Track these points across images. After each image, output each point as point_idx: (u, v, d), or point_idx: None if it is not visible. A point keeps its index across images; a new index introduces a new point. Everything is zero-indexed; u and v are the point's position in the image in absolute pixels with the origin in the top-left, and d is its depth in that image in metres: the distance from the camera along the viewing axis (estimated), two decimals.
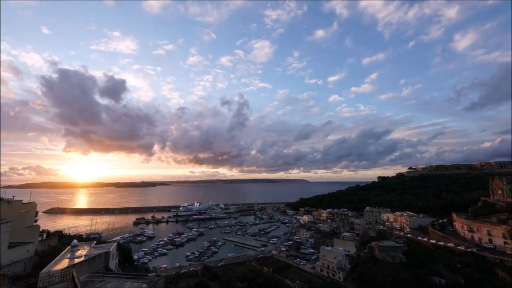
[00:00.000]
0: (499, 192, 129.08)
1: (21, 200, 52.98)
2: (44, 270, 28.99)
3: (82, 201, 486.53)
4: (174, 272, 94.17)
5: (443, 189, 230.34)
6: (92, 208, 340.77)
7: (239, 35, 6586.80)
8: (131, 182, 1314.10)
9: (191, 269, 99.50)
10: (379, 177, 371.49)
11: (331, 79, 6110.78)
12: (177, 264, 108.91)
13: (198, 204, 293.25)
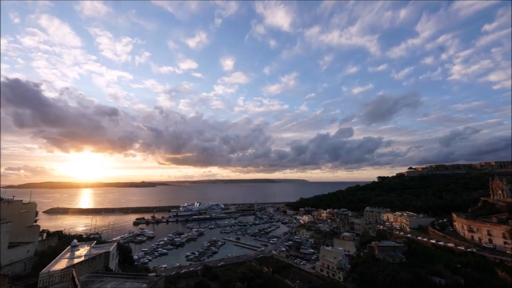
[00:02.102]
0: (499, 192, 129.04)
1: (21, 200, 53.00)
2: (44, 270, 28.99)
3: (82, 201, 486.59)
4: (174, 272, 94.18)
5: (443, 189, 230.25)
6: (92, 208, 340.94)
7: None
8: (131, 182, 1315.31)
9: (191, 269, 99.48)
10: (379, 177, 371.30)
11: None
12: (177, 264, 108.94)
13: (198, 204, 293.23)
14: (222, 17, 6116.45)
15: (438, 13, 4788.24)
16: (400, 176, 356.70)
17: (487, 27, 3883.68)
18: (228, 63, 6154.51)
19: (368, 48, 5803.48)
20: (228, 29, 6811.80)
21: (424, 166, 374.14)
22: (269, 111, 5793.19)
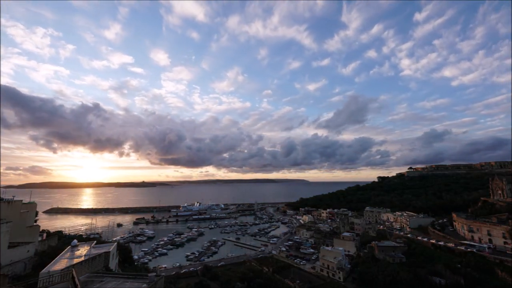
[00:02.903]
0: (499, 192, 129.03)
1: (21, 200, 52.99)
2: (44, 270, 29.01)
3: (82, 201, 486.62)
4: (174, 272, 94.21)
5: (443, 189, 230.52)
6: (92, 208, 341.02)
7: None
8: (131, 182, 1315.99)
9: (191, 269, 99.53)
10: (379, 177, 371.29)
11: None
12: (177, 264, 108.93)
13: (198, 204, 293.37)
14: (126, 6, 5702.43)
15: (357, 1, 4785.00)
16: (400, 176, 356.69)
17: (418, 16, 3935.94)
18: (161, 57, 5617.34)
19: (300, 41, 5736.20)
20: (139, 20, 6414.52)
21: (424, 166, 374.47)
22: (232, 108, 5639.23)
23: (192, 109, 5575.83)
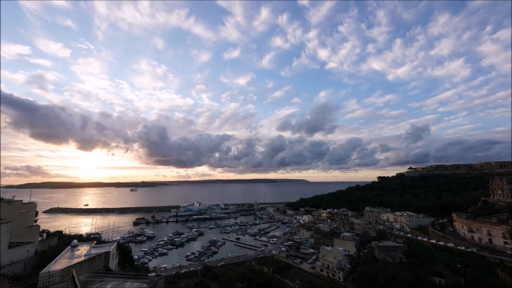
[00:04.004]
0: (499, 192, 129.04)
1: (21, 200, 52.96)
2: (44, 270, 28.97)
3: (82, 201, 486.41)
4: (174, 272, 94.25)
5: (443, 189, 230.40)
6: (92, 208, 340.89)
7: None
8: (131, 182, 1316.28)
9: (191, 269, 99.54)
10: (379, 177, 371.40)
11: None
12: (177, 264, 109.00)
13: (198, 204, 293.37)
14: None
15: None
16: (400, 176, 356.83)
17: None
18: (52, 46, 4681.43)
19: (190, 30, 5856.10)
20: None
21: (424, 166, 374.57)
22: (176, 105, 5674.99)
23: (130, 105, 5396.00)
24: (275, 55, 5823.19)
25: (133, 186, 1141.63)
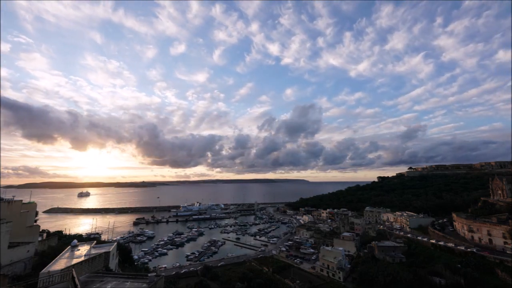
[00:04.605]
0: (499, 192, 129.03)
1: (21, 200, 52.98)
2: (44, 270, 28.98)
3: (82, 201, 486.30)
4: (174, 272, 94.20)
5: (443, 189, 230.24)
6: (92, 208, 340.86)
7: None
8: (131, 182, 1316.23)
9: (191, 269, 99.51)
10: (379, 177, 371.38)
11: None
12: (177, 264, 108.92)
13: (198, 204, 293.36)
14: None
15: None
16: (400, 176, 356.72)
17: None
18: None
19: (123, 23, 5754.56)
20: None
21: (424, 166, 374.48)
22: (144, 104, 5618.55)
23: (104, 103, 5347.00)
24: (224, 50, 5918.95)
25: (133, 186, 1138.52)
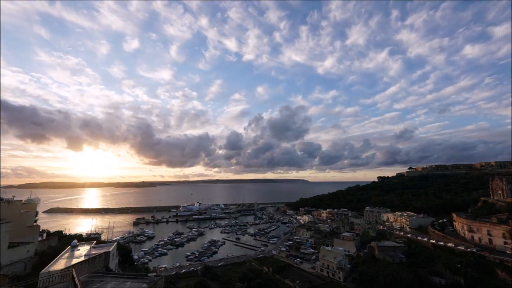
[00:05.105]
0: (499, 192, 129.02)
1: (21, 200, 53.05)
2: (44, 270, 29.00)
3: (82, 201, 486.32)
4: (174, 272, 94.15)
5: (443, 189, 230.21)
6: (92, 208, 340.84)
7: None
8: (131, 182, 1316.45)
9: (191, 269, 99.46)
10: (379, 177, 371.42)
11: None
12: (177, 264, 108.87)
13: (198, 204, 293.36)
14: None
15: None
16: (400, 176, 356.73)
17: None
18: None
19: (63, 16, 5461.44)
20: None
21: (424, 166, 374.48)
22: (117, 102, 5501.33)
23: (81, 102, 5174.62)
24: (181, 46, 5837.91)
25: (133, 186, 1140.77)
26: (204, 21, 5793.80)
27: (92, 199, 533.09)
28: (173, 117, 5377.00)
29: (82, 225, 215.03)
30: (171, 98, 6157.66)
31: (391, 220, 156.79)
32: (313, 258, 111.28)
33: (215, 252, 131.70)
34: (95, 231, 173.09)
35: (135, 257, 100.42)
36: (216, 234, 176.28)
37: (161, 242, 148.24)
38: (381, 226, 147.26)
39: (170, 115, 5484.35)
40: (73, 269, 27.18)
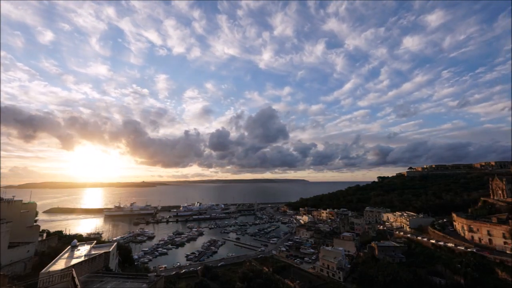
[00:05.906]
0: (499, 192, 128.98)
1: (21, 200, 52.98)
2: (44, 270, 28.96)
3: (82, 201, 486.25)
4: (174, 272, 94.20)
5: (443, 189, 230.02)
6: (92, 208, 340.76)
7: None
8: (131, 182, 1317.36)
9: (191, 269, 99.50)
10: (379, 177, 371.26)
11: None
12: (177, 264, 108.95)
13: (198, 204, 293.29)
14: None
15: None
16: (400, 176, 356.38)
17: None
18: None
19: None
20: None
21: (424, 166, 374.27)
22: (76, 99, 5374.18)
23: (67, 102, 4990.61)
24: (99, 38, 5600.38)
25: (134, 186, 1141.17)
26: (110, 10, 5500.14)
27: (94, 198, 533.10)
28: (135, 115, 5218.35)
29: (82, 225, 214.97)
30: (123, 96, 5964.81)
31: (391, 220, 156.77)
32: (313, 258, 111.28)
33: (215, 252, 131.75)
34: (95, 231, 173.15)
35: (135, 257, 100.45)
36: (216, 234, 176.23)
37: (161, 242, 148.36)
38: (381, 226, 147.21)
39: (131, 113, 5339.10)
40: (73, 269, 27.16)
